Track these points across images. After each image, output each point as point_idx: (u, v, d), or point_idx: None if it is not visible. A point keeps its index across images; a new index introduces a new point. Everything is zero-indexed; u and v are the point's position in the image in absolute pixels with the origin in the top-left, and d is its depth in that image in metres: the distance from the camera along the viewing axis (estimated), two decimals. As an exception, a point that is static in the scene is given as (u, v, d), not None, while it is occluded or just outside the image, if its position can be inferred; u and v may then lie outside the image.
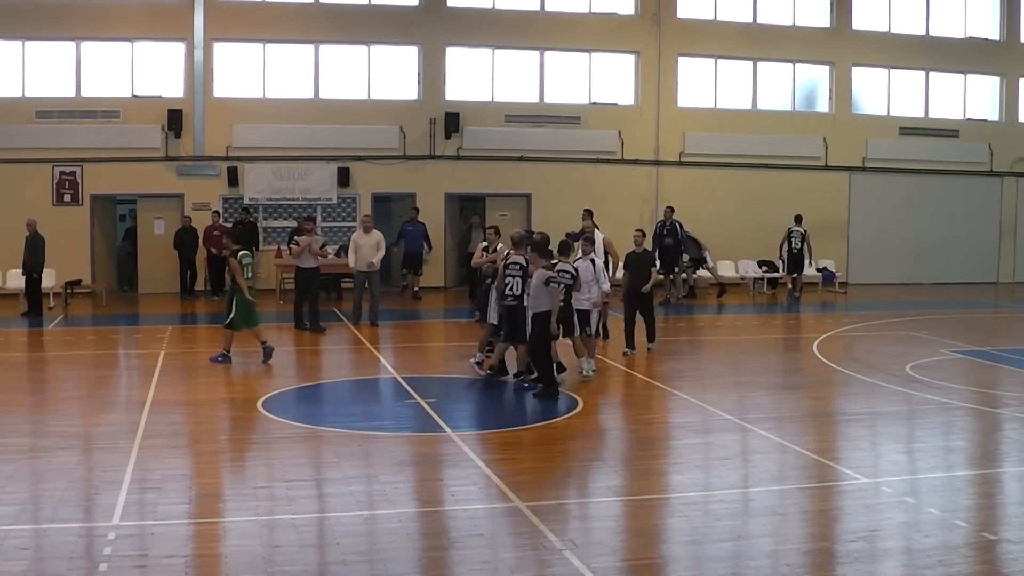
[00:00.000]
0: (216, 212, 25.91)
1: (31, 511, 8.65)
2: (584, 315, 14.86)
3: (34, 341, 18.75)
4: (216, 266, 25.27)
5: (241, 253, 16.07)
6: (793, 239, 26.51)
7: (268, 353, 15.93)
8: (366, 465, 10.23)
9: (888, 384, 14.54)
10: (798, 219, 26.73)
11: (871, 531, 8.19)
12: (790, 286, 26.84)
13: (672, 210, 24.98)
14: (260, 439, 11.16)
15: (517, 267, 14.00)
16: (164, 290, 26.11)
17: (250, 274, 16.13)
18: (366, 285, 20.37)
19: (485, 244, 16.01)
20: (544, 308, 13.50)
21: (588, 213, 18.48)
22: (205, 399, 13.42)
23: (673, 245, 24.31)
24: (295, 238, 20.24)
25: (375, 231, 20.40)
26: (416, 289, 25.81)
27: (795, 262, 26.57)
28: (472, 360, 15.02)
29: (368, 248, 20.02)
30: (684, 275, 25.94)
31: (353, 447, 10.95)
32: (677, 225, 24.44)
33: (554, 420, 12.31)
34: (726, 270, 28.68)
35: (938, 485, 9.67)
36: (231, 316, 15.86)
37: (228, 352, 15.84)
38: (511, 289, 13.99)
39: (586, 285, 14.75)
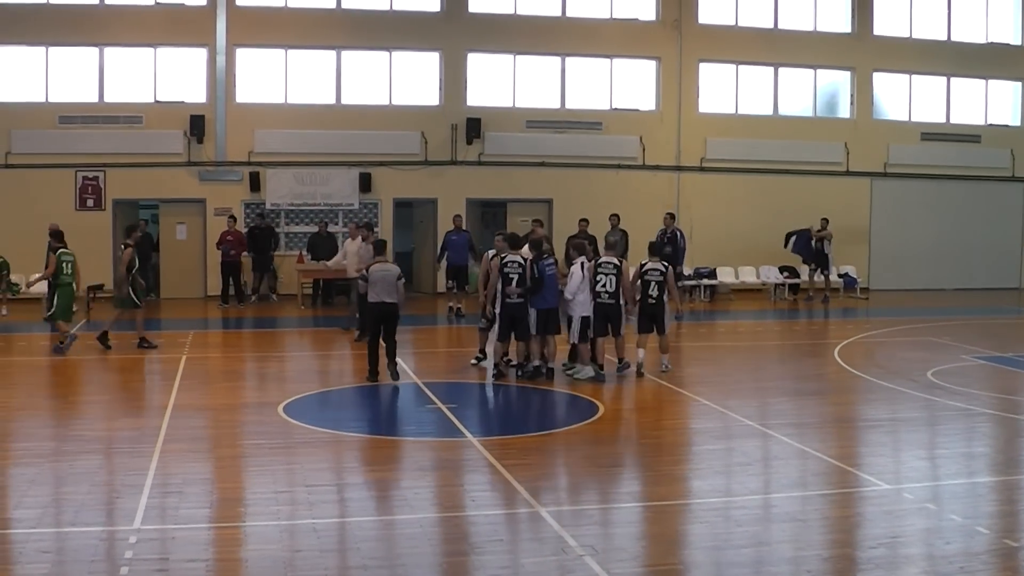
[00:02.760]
0: (232, 217, 25.77)
1: (53, 515, 8.71)
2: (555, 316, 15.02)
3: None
4: (229, 272, 25.09)
5: (61, 251, 17.31)
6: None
7: (68, 344, 16.93)
8: (387, 470, 10.26)
9: (910, 390, 14.47)
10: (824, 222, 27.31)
11: (892, 537, 8.16)
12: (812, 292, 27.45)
13: (673, 217, 24.71)
14: (281, 443, 11.19)
15: (612, 266, 14.56)
16: (186, 295, 26.21)
17: (69, 270, 17.30)
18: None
19: (494, 253, 15.55)
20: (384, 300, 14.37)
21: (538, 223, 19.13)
22: (226, 403, 13.47)
23: (672, 254, 23.88)
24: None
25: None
26: (460, 307, 22.56)
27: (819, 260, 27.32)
28: (508, 362, 15.14)
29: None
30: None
31: (374, 452, 10.98)
32: (678, 233, 24.17)
33: (575, 425, 12.32)
34: (747, 276, 28.64)
35: (960, 491, 9.61)
36: (52, 310, 17.31)
37: (71, 334, 17.29)
38: (604, 287, 14.49)
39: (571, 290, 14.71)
